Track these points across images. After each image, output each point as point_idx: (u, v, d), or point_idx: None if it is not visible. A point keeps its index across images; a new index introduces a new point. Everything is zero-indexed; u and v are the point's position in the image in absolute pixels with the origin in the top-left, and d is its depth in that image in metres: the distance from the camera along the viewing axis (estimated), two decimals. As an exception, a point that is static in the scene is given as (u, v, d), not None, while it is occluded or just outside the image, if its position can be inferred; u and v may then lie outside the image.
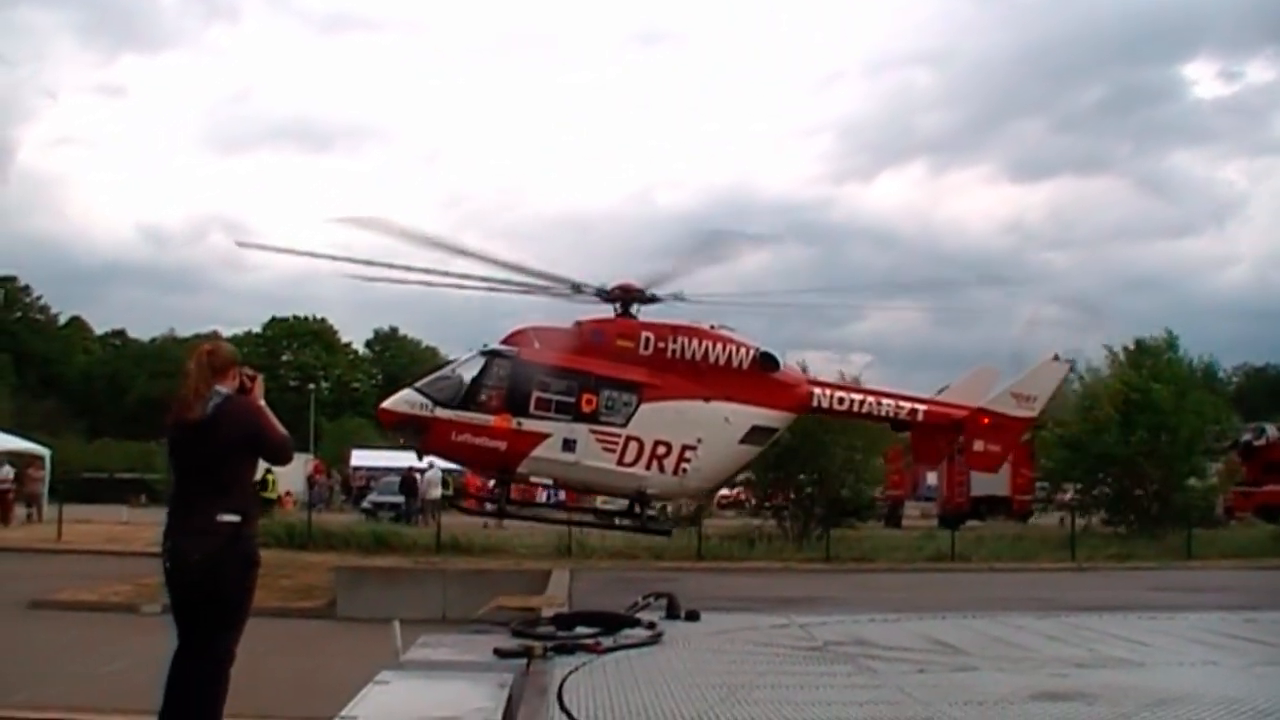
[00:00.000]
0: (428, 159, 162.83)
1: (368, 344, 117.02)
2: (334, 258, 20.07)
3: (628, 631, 6.81)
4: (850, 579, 26.14)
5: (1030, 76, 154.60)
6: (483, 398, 19.63)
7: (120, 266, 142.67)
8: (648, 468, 19.58)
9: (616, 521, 21.12)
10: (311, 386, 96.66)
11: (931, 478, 48.88)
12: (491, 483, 21.10)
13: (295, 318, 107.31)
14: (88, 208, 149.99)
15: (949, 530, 35.91)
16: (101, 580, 22.46)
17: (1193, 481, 36.83)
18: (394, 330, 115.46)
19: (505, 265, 20.14)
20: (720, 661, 6.22)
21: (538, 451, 19.37)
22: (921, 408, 21.43)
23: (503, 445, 19.41)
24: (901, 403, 21.61)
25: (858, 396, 21.34)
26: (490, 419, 19.46)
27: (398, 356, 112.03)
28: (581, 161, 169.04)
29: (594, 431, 19.46)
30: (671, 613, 7.93)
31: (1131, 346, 41.07)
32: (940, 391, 22.74)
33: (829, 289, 26.29)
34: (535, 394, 19.42)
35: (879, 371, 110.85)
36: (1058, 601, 16.49)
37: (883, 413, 21.34)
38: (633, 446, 19.54)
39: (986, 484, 43.52)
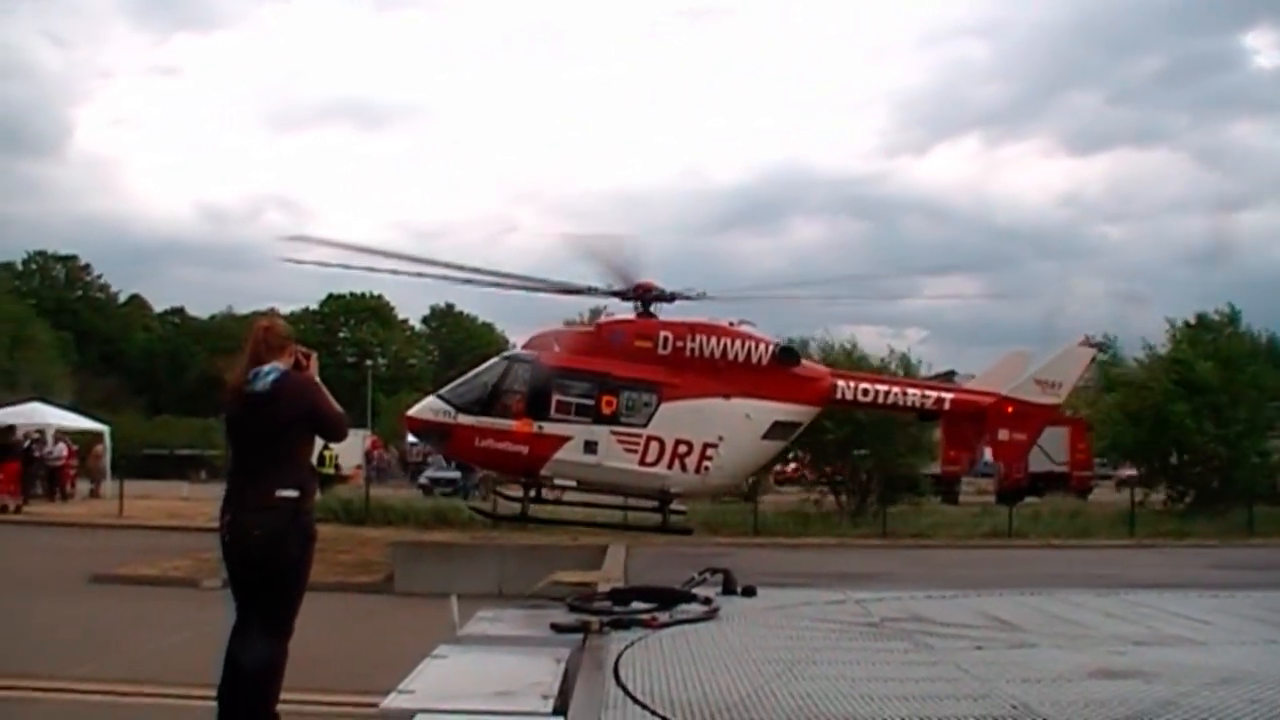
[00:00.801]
0: (480, 135, 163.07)
1: (424, 320, 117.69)
2: (374, 251, 20.31)
3: (684, 607, 6.80)
4: (907, 555, 26.07)
5: (1086, 47, 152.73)
6: (504, 403, 19.78)
7: (178, 245, 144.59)
8: (670, 467, 19.62)
9: (634, 520, 21.14)
10: (369, 363, 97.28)
11: (989, 453, 48.50)
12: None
13: (352, 294, 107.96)
14: (146, 187, 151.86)
15: (1007, 506, 35.72)
16: (162, 555, 22.78)
17: (1255, 458, 36.40)
18: (450, 306, 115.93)
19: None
20: (776, 637, 6.21)
21: (560, 454, 19.47)
22: (948, 396, 21.31)
23: (525, 449, 19.53)
24: (927, 392, 21.48)
25: (882, 388, 21.24)
26: (512, 424, 19.58)
27: (454, 332, 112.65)
28: (633, 137, 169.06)
29: (615, 433, 19.52)
30: (728, 588, 7.92)
31: (1193, 321, 40.68)
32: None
33: (835, 284, 26.27)
34: (556, 397, 19.52)
35: (934, 347, 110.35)
36: (1116, 578, 16.36)
37: (909, 403, 21.22)
38: (654, 446, 19.57)
39: (1045, 460, 43.21)
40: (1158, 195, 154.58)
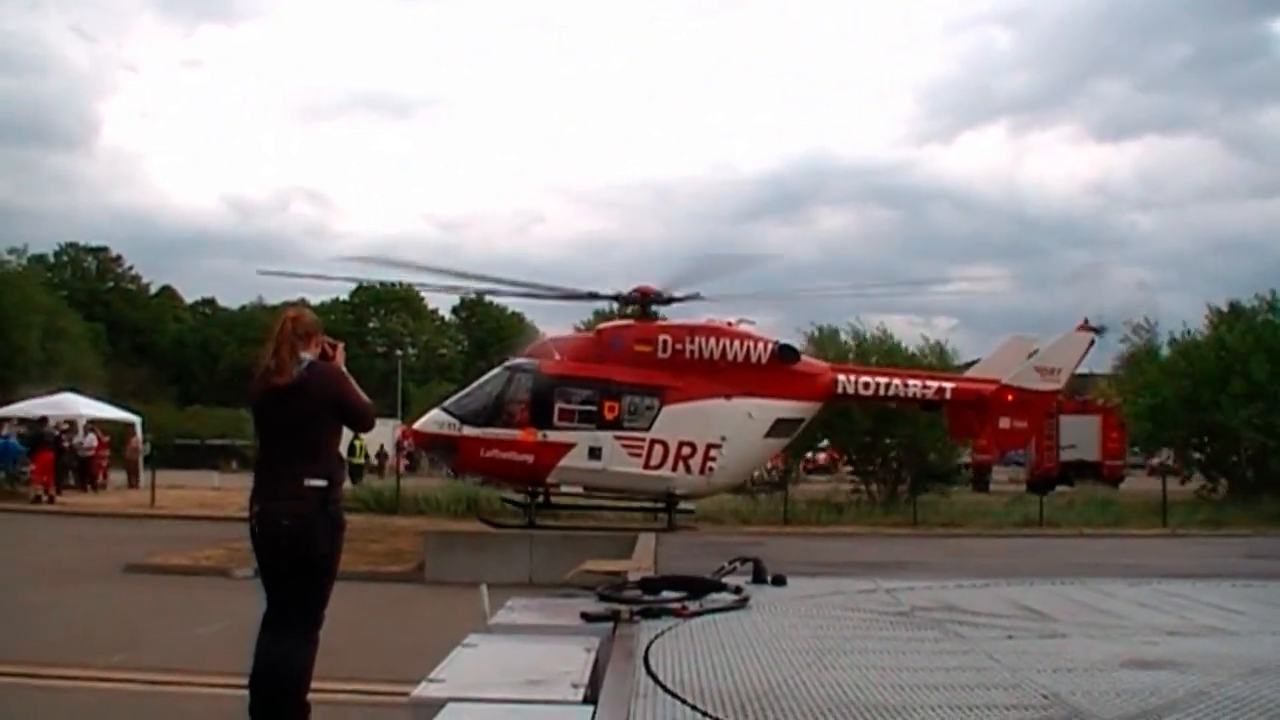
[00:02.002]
0: (507, 126, 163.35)
1: (454, 310, 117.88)
2: (358, 279, 20.82)
3: (714, 596, 6.79)
4: (938, 544, 25.92)
5: (1113, 34, 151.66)
6: (508, 412, 19.99)
7: (208, 236, 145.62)
8: (674, 469, 19.79)
9: (641, 522, 21.17)
10: (399, 353, 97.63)
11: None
12: None
13: (382, 285, 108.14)
14: (174, 179, 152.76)
15: (1038, 495, 35.54)
16: (194, 545, 22.84)
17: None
18: (480, 297, 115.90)
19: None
20: (807, 626, 6.20)
21: (565, 461, 19.65)
22: (949, 386, 21.47)
23: (530, 458, 19.73)
24: (929, 383, 21.64)
25: (883, 380, 21.41)
26: (516, 433, 19.74)
27: (484, 322, 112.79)
28: (661, 127, 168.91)
29: (619, 437, 19.70)
30: (758, 577, 7.90)
31: (1224, 308, 40.40)
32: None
33: (843, 281, 26.63)
34: (558, 405, 19.75)
35: (964, 335, 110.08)
36: (1149, 568, 16.17)
37: (910, 394, 21.40)
38: (658, 449, 19.76)
39: (1076, 448, 43.03)
40: (1188, 182, 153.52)
